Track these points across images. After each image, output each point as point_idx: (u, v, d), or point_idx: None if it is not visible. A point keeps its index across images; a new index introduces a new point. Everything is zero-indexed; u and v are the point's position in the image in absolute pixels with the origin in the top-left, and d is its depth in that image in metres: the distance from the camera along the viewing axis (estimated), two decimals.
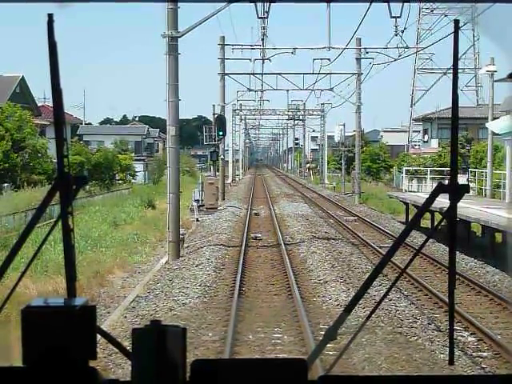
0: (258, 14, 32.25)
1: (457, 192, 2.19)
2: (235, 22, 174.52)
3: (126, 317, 15.09)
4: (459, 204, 2.23)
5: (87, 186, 45.84)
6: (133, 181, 62.26)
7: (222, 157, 48.54)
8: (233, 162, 77.19)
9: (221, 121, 44.96)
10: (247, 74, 52.93)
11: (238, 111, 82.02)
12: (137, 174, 64.50)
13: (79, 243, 22.88)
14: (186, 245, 25.42)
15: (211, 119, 48.58)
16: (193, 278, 19.18)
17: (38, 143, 46.98)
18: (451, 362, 2.39)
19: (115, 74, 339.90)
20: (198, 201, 38.68)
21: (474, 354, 12.63)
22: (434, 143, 69.14)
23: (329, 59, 44.98)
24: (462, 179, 36.74)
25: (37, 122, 51.85)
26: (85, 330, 1.98)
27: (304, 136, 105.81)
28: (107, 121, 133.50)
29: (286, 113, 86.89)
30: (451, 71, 2.29)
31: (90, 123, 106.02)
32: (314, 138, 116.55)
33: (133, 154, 71.73)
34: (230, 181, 68.51)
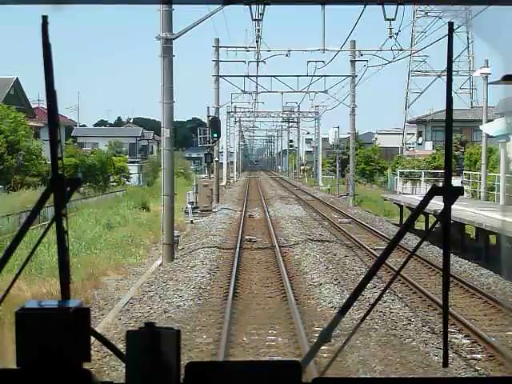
0: (252, 16, 32.31)
1: (451, 194, 2.19)
2: (230, 25, 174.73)
3: (120, 319, 15.08)
4: (453, 206, 2.23)
5: (81, 188, 45.81)
6: (127, 183, 62.15)
7: (216, 159, 48.55)
8: (227, 164, 77.20)
9: (215, 123, 44.95)
10: (242, 76, 53.06)
11: (232, 113, 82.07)
12: (131, 176, 64.42)
13: (73, 245, 22.85)
14: (180, 247, 25.42)
15: (205, 121, 48.55)
16: (187, 280, 19.17)
17: (33, 145, 46.93)
18: (445, 364, 2.39)
19: (110, 76, 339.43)
20: (192, 203, 38.68)
21: (468, 356, 12.64)
22: (429, 145, 69.25)
23: (323, 61, 45.00)
24: (456, 181, 36.79)
25: (31, 123, 51.78)
26: (79, 332, 1.98)
27: (298, 138, 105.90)
28: (101, 123, 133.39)
29: (281, 115, 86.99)
30: (445, 73, 2.29)
31: (84, 125, 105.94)
32: (308, 141, 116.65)
33: (127, 156, 71.66)
34: (224, 183, 68.52)
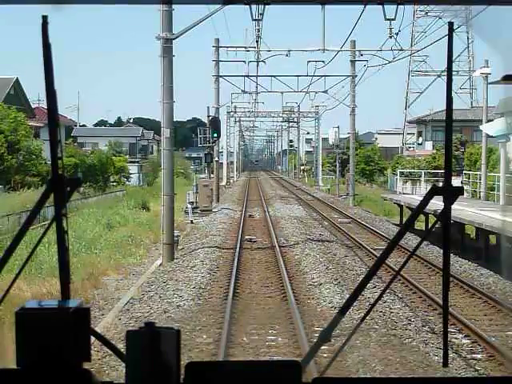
0: (252, 16, 32.31)
1: (451, 194, 2.19)
2: (230, 25, 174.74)
3: (120, 319, 15.07)
4: (453, 206, 2.23)
5: (81, 188, 45.81)
6: (127, 183, 62.17)
7: (216, 159, 48.54)
8: (227, 164, 77.19)
9: (215, 123, 44.94)
10: (242, 76, 53.06)
11: (232, 113, 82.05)
12: (131, 176, 64.41)
13: (73, 245, 22.85)
14: (180, 247, 25.41)
15: (206, 121, 48.53)
16: (187, 280, 19.17)
17: (33, 145, 46.93)
18: (445, 363, 2.39)
19: (110, 76, 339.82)
20: (192, 203, 38.67)
21: (468, 356, 12.64)
22: (429, 145, 69.26)
23: (323, 61, 44.99)
24: (456, 181, 36.78)
25: (31, 123, 51.78)
26: (79, 332, 1.98)
27: (298, 138, 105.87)
28: (102, 123, 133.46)
29: (281, 115, 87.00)
30: (445, 73, 2.29)
31: (84, 125, 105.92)
32: (308, 141, 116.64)
33: (127, 156, 71.69)
34: (224, 183, 68.51)
